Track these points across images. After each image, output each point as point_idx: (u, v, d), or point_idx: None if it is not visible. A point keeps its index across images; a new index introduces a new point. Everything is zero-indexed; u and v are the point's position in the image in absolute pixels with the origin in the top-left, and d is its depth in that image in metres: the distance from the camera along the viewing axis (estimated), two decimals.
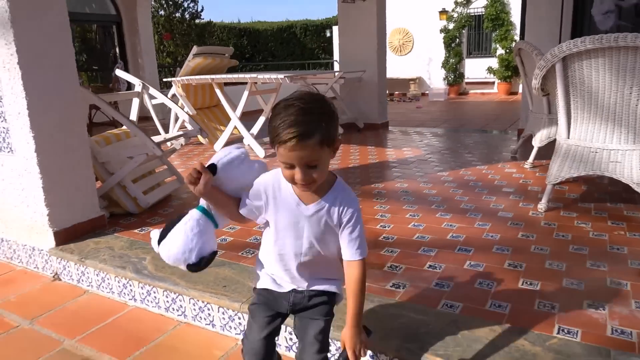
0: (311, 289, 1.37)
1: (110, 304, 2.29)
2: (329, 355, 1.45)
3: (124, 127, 3.28)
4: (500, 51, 13.72)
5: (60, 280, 2.56)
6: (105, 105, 2.88)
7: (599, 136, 2.64)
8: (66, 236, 2.59)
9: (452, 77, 14.56)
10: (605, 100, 2.56)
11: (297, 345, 1.46)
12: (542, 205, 2.83)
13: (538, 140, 3.87)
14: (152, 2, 10.50)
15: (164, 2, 10.86)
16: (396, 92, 14.53)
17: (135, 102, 3.67)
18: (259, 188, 1.30)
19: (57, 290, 2.45)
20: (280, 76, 4.38)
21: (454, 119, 8.62)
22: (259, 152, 4.78)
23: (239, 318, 1.90)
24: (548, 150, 3.33)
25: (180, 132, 3.44)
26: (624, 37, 2.35)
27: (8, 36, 2.30)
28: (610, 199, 3.03)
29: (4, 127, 2.51)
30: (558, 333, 1.59)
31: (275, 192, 1.28)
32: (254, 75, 4.53)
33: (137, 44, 8.67)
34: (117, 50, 8.76)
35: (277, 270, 1.37)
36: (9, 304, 2.32)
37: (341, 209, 1.25)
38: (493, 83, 14.47)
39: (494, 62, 14.04)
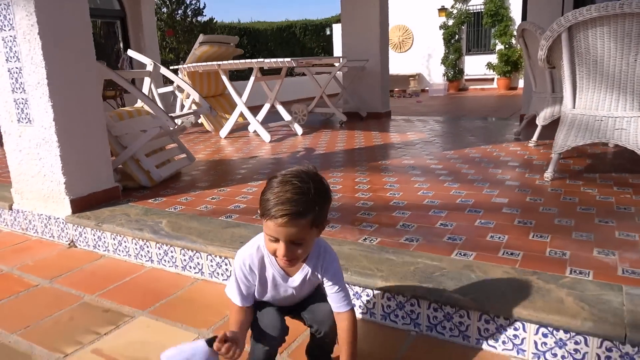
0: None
1: (127, 266, 2.33)
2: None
3: (135, 106, 3.33)
4: (499, 46, 13.81)
5: (76, 247, 2.60)
6: (121, 79, 2.93)
7: (604, 104, 2.69)
8: (82, 205, 2.63)
9: (452, 73, 14.65)
10: (610, 68, 2.62)
11: None
12: (548, 175, 2.88)
13: (542, 119, 3.93)
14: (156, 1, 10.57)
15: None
16: (396, 89, 14.59)
17: (147, 81, 3.72)
18: (246, 272, 1.25)
19: (73, 256, 2.49)
20: (287, 59, 4.44)
21: (455, 110, 8.69)
22: (265, 137, 4.83)
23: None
24: (551, 131, 3.38)
25: (191, 110, 3.49)
26: (629, 3, 2.40)
27: (29, 7, 2.35)
28: (614, 169, 3.08)
29: (22, 98, 2.56)
30: (570, 274, 1.64)
31: (261, 272, 1.26)
32: (260, 60, 4.59)
33: (141, 39, 8.73)
34: (122, 45, 8.82)
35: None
36: (27, 267, 2.36)
37: (323, 270, 1.26)
38: (492, 79, 14.56)
39: (493, 59, 14.13)
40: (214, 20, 11.99)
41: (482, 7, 14.12)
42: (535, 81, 4.28)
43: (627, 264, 1.70)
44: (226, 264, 2.04)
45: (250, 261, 1.25)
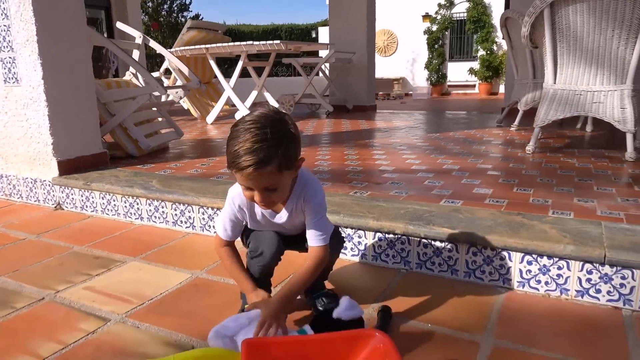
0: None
1: (116, 224, 2.32)
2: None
3: (123, 78, 3.33)
4: (481, 52, 14.12)
5: (62, 209, 2.59)
6: (112, 45, 2.93)
7: (583, 79, 2.80)
8: (69, 167, 2.62)
9: (435, 77, 14.91)
10: (589, 44, 2.73)
11: None
12: (529, 148, 2.98)
13: (523, 104, 4.05)
14: None
15: None
16: (380, 92, 14.77)
17: (136, 53, 3.72)
18: (235, 210, 1.29)
19: (61, 216, 2.48)
20: (276, 42, 4.49)
21: (439, 107, 8.85)
22: None
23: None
24: (532, 118, 3.49)
25: (180, 84, 3.51)
26: None
27: None
28: (592, 146, 3.20)
29: (10, 57, 2.55)
30: (552, 214, 1.71)
31: (251, 210, 1.29)
32: (249, 42, 4.62)
33: (113, 42, 8.67)
34: (106, 35, 8.75)
35: None
36: (12, 226, 2.34)
37: (305, 202, 1.26)
38: (474, 85, 14.87)
39: (475, 65, 14.44)
40: (200, 17, 12.01)
41: (465, 14, 14.44)
42: (517, 69, 4.41)
43: (604, 207, 1.78)
44: (218, 216, 2.05)
45: (239, 200, 1.27)
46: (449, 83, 15.32)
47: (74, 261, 1.86)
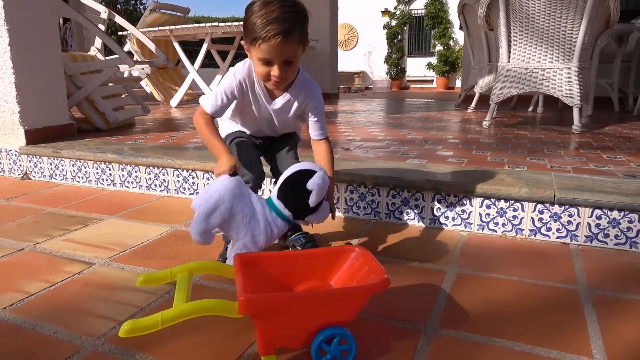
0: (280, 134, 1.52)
1: (87, 190, 2.33)
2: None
3: (88, 53, 3.28)
4: (439, 47, 14.52)
5: (30, 179, 2.56)
6: (78, 15, 2.90)
7: (535, 57, 3.01)
8: (36, 137, 2.59)
9: (395, 71, 15.21)
10: (540, 24, 2.94)
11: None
12: (486, 122, 3.17)
13: (479, 87, 4.27)
14: None
15: None
16: (341, 86, 14.93)
17: (102, 28, 3.67)
18: (235, 85, 1.29)
19: (29, 184, 2.45)
20: (242, 23, 4.49)
21: (399, 97, 9.08)
22: None
23: None
24: (487, 102, 3.70)
25: (147, 60, 3.49)
26: None
27: None
28: (543, 123, 3.43)
29: None
30: (508, 168, 1.87)
31: (249, 87, 1.31)
32: (213, 24, 4.63)
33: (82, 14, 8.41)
34: (61, 19, 8.45)
35: (250, 131, 1.48)
36: None
37: (308, 98, 1.34)
38: (432, 80, 15.27)
39: (433, 60, 14.84)
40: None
41: (424, 10, 14.81)
42: (473, 55, 4.63)
43: (554, 163, 1.96)
44: (193, 178, 2.11)
45: (242, 75, 1.29)
46: (407, 78, 15.67)
47: (49, 219, 1.87)
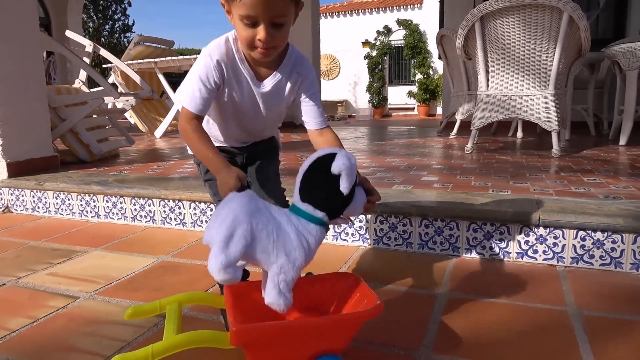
0: (261, 139, 1.30)
1: (71, 222, 2.29)
2: None
3: (73, 86, 3.28)
4: (419, 76, 14.88)
5: (11, 212, 2.51)
6: (63, 49, 2.91)
7: (512, 85, 3.11)
8: (19, 170, 2.56)
9: (377, 100, 15.50)
10: (516, 53, 3.04)
11: None
12: (468, 148, 3.23)
13: (460, 114, 4.36)
14: (83, 15, 10.31)
15: (92, 13, 10.70)
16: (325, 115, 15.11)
17: (86, 61, 3.68)
18: (213, 67, 1.05)
19: (10, 218, 2.40)
20: None
21: (382, 125, 9.22)
22: None
23: (211, 210, 2.03)
24: (468, 129, 3.78)
25: (132, 92, 3.50)
26: None
27: None
28: (523, 148, 3.51)
29: None
30: (493, 192, 1.90)
31: (230, 68, 1.08)
32: (198, 56, 4.67)
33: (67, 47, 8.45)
34: (44, 53, 8.47)
35: (229, 138, 1.25)
36: None
37: (301, 77, 1.13)
38: (413, 108, 15.58)
39: (414, 88, 15.18)
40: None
41: (403, 41, 15.21)
42: (453, 83, 4.75)
43: (536, 187, 2.00)
44: (179, 208, 2.09)
45: (219, 54, 1.05)
46: (389, 106, 15.96)
47: (32, 253, 1.83)
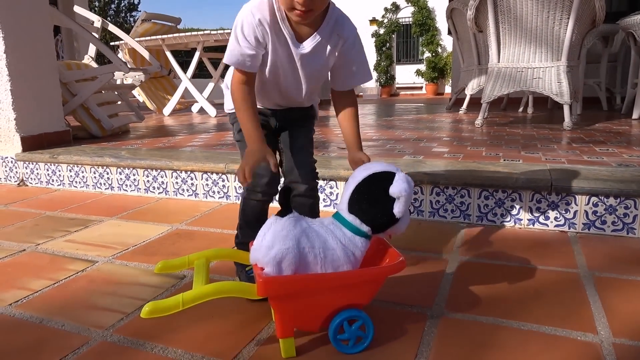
0: (298, 106, 1.25)
1: (85, 194, 2.32)
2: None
3: (82, 62, 3.29)
4: (427, 54, 14.68)
5: (26, 185, 2.54)
6: (73, 23, 2.91)
7: (524, 57, 3.07)
8: (33, 144, 2.59)
9: (384, 79, 15.35)
10: (529, 24, 3.00)
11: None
12: (478, 121, 3.21)
13: (470, 89, 4.32)
14: None
15: None
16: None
17: (96, 37, 3.67)
18: (255, 24, 1.02)
19: (26, 191, 2.44)
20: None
21: (390, 103, 9.16)
22: (211, 111, 4.89)
23: (223, 181, 2.05)
24: (478, 105, 3.74)
25: (141, 68, 3.50)
26: None
27: None
28: (534, 122, 3.48)
29: None
30: (504, 161, 1.90)
31: (272, 28, 1.04)
32: (206, 32, 4.65)
33: (76, 22, 8.42)
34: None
35: (265, 99, 1.20)
36: None
37: (340, 41, 1.09)
38: (421, 87, 15.42)
39: (422, 67, 15.00)
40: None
41: (411, 18, 14.98)
42: (462, 58, 4.70)
43: (548, 156, 1.99)
44: (192, 179, 2.11)
45: (260, 11, 1.02)
46: (397, 85, 15.80)
47: (49, 222, 1.86)
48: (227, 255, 1.07)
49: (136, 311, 1.11)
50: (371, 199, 0.94)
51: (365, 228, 0.95)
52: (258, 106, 1.16)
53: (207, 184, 2.09)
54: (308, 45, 1.07)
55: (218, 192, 2.07)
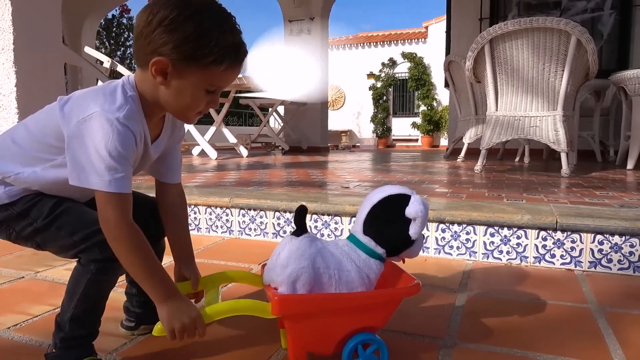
0: None
1: None
2: None
3: None
4: (422, 107, 15.07)
5: None
6: (84, 62, 2.99)
7: (521, 106, 3.16)
8: None
9: (381, 130, 15.66)
10: (525, 75, 3.11)
11: None
12: (478, 167, 3.26)
13: (468, 138, 4.41)
14: (96, 41, 10.58)
15: (105, 40, 10.98)
16: (329, 144, 15.26)
17: (104, 78, 3.76)
18: (131, 137, 0.82)
19: None
20: (232, 91, 4.66)
21: (387, 153, 9.30)
22: (212, 154, 4.94)
23: (227, 215, 2.04)
24: (476, 154, 3.80)
25: None
26: (536, 19, 2.94)
27: None
28: (531, 170, 3.54)
29: None
30: (508, 201, 1.91)
31: (144, 134, 0.89)
32: None
33: (79, 71, 8.64)
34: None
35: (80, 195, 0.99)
36: None
37: (175, 130, 1.02)
38: (417, 139, 15.73)
39: (417, 120, 15.37)
40: None
41: (407, 73, 15.50)
42: (460, 109, 4.83)
43: (551, 197, 2.01)
44: (195, 213, 2.11)
45: (131, 117, 0.83)
46: (393, 137, 16.11)
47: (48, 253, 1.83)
48: (237, 277, 1.06)
49: (139, 337, 1.08)
50: (386, 220, 0.94)
51: (380, 250, 0.94)
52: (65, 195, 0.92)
53: (210, 218, 2.08)
54: (163, 138, 0.99)
55: (221, 227, 2.06)
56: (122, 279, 1.07)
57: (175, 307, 0.84)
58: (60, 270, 1.59)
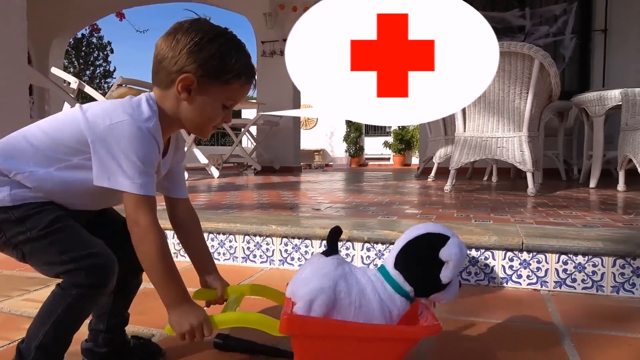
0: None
1: None
2: None
3: None
4: (394, 127, 15.31)
5: None
6: (50, 83, 2.92)
7: (488, 127, 3.24)
8: None
9: (354, 149, 15.81)
10: (492, 97, 3.20)
11: None
12: (447, 187, 3.31)
13: (438, 157, 4.49)
14: (64, 60, 10.41)
15: (74, 59, 10.80)
16: (302, 163, 15.29)
17: (71, 98, 3.68)
18: (157, 148, 0.89)
19: None
20: None
21: (359, 172, 9.36)
22: (214, 173, 4.96)
23: (230, 242, 2.00)
24: (445, 174, 3.87)
25: None
26: (501, 44, 3.03)
27: None
28: (499, 189, 3.61)
29: None
30: (475, 222, 1.94)
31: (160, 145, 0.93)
32: None
33: (46, 92, 8.45)
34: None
35: (86, 206, 1.00)
36: None
37: (178, 148, 1.06)
38: (389, 158, 15.93)
39: (389, 139, 15.60)
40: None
41: None
42: (430, 129, 4.92)
43: (517, 218, 2.05)
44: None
45: (155, 128, 0.88)
46: (366, 156, 16.29)
47: (6, 282, 1.76)
48: (262, 292, 1.07)
49: None
50: (419, 258, 0.91)
51: (407, 287, 0.90)
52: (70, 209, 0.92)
53: (212, 245, 2.03)
54: (171, 150, 1.03)
55: (223, 254, 2.01)
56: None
57: (185, 311, 0.88)
58: (18, 301, 1.52)
